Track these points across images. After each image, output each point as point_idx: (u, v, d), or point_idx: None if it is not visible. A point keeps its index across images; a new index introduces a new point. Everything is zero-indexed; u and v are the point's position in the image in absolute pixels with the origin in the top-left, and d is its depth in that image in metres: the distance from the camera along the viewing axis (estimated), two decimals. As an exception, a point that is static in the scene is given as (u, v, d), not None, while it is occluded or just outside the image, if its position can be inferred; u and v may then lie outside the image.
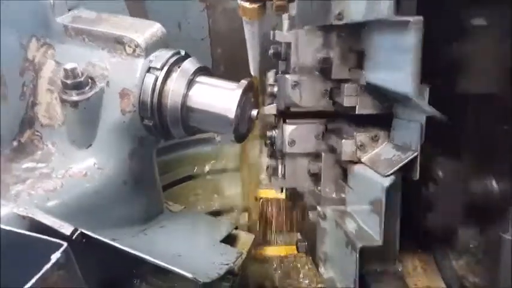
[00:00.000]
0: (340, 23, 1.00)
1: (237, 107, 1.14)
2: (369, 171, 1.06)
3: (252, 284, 1.46)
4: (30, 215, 1.05)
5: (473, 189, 1.06)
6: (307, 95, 1.17)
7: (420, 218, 1.12)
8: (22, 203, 1.07)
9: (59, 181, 1.14)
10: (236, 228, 1.49)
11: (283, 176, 1.28)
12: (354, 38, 1.08)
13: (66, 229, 1.04)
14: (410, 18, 0.84)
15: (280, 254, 1.56)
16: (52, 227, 1.04)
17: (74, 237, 1.04)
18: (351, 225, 1.09)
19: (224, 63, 1.88)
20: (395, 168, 0.99)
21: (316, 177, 1.25)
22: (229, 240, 1.43)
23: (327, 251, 1.19)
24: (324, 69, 1.14)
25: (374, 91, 1.05)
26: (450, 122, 0.96)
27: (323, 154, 1.21)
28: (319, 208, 1.17)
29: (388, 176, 0.99)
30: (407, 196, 1.09)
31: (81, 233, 1.05)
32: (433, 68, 0.97)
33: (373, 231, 1.05)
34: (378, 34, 0.98)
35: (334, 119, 1.22)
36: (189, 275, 1.00)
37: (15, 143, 1.20)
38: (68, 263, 0.79)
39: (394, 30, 0.90)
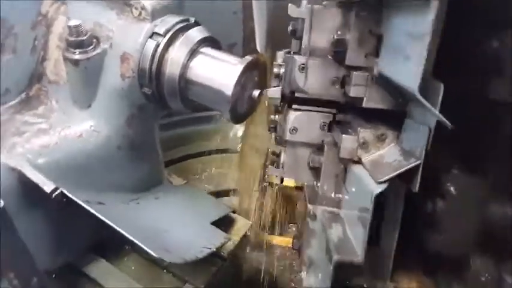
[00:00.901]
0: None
1: (236, 83, 1.08)
2: (365, 174, 0.96)
3: (244, 271, 1.42)
4: (19, 168, 1.08)
5: (490, 211, 0.93)
6: (315, 80, 1.07)
7: (424, 237, 1.00)
8: (15, 155, 1.10)
9: (54, 138, 1.16)
10: (234, 212, 1.45)
11: (282, 165, 1.20)
12: (375, 19, 0.96)
13: (48, 187, 1.06)
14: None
15: (279, 244, 1.50)
16: (36, 182, 1.08)
17: (53, 195, 1.06)
18: (336, 232, 1.00)
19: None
20: (391, 176, 0.88)
21: (316, 172, 1.17)
22: (225, 223, 1.39)
23: (312, 255, 1.11)
24: (338, 53, 1.03)
25: (386, 83, 0.94)
26: (455, 128, 0.84)
27: (326, 147, 1.12)
28: (310, 206, 1.09)
29: (382, 182, 0.89)
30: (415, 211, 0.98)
31: (62, 192, 1.07)
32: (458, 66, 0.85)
33: (356, 244, 0.95)
34: (395, 15, 0.86)
35: (345, 109, 1.12)
36: (153, 253, 0.98)
37: (23, 95, 1.24)
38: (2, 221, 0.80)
39: (411, 11, 0.79)
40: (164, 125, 1.85)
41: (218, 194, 1.65)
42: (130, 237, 1.00)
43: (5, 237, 0.83)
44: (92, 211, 1.03)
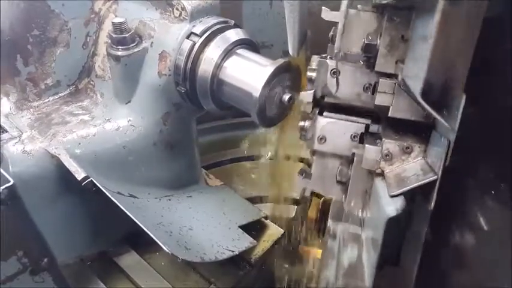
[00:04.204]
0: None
1: (265, 86, 1.11)
2: (384, 189, 0.92)
3: (273, 279, 1.43)
4: (57, 155, 1.20)
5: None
6: (347, 86, 1.07)
7: (448, 274, 0.94)
8: (55, 143, 1.22)
9: (93, 130, 1.27)
10: (266, 218, 1.46)
11: (309, 175, 1.19)
12: (407, 24, 0.94)
13: (79, 175, 1.16)
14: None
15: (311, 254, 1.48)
16: (69, 169, 1.18)
17: (83, 183, 1.16)
18: (350, 254, 0.98)
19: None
20: (403, 190, 0.86)
21: (344, 186, 1.14)
22: (257, 228, 1.41)
23: (329, 276, 1.08)
24: (370, 58, 1.03)
25: (410, 92, 0.91)
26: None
27: (355, 160, 1.10)
28: (330, 223, 1.07)
29: (394, 196, 0.86)
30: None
31: (92, 181, 1.16)
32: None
33: (367, 271, 0.92)
34: (416, 17, 0.85)
35: (379, 120, 1.09)
36: (166, 249, 1.03)
37: (72, 88, 1.37)
38: (12, 200, 0.88)
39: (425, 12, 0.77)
40: (210, 128, 1.93)
41: (255, 199, 1.67)
42: (147, 231, 1.06)
43: (14, 216, 0.92)
44: (116, 201, 1.11)
